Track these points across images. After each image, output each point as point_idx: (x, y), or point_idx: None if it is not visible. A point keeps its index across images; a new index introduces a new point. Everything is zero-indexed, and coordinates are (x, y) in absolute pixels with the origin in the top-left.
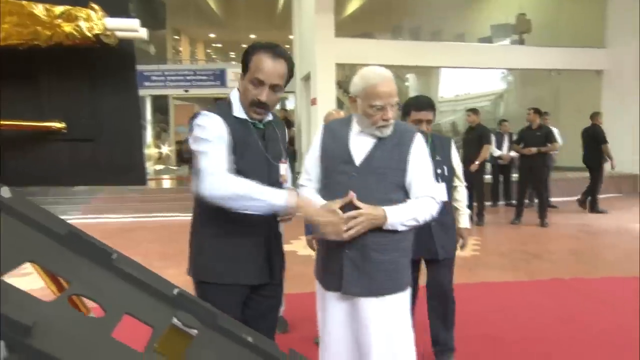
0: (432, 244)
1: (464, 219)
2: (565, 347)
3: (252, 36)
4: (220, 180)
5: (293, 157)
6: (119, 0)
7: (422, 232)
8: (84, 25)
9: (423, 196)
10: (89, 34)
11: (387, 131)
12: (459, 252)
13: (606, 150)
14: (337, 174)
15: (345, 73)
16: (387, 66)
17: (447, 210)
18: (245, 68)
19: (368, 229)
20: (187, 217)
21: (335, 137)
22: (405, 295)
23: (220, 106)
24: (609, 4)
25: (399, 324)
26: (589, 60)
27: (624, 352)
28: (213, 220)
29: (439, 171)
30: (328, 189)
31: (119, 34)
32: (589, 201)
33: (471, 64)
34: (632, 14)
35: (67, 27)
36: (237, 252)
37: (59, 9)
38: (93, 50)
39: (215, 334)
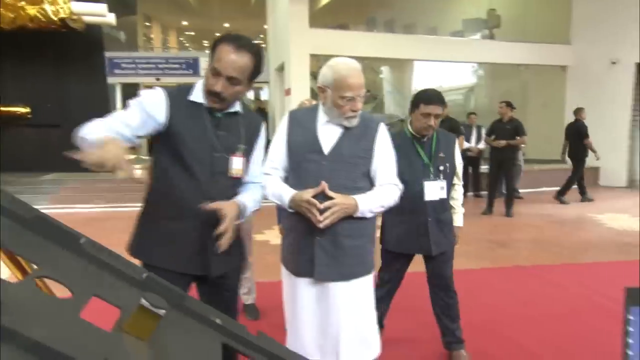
0: (427, 241)
1: (458, 218)
2: (524, 328)
3: (226, 25)
4: (88, 125)
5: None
6: None
7: (418, 229)
8: (49, 8)
9: (387, 184)
10: (54, 18)
11: (355, 121)
12: None
13: (589, 144)
14: (306, 162)
15: (319, 64)
16: (361, 58)
17: (446, 207)
18: (211, 57)
19: (341, 217)
20: None
21: (302, 126)
22: (370, 278)
23: (179, 88)
24: (574, 2)
25: (365, 305)
26: (555, 56)
27: (575, 334)
28: (151, 201)
29: (441, 168)
30: (297, 177)
31: (86, 18)
32: (558, 191)
33: (444, 57)
34: (596, 11)
35: (32, 10)
36: (167, 236)
37: None
38: (60, 35)
39: (182, 315)
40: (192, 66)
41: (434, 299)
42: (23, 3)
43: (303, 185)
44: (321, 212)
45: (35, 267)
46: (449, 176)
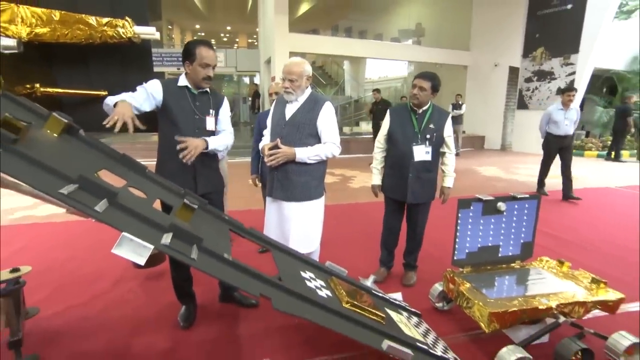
0: (405, 190)
1: (448, 180)
2: (433, 244)
3: (228, 27)
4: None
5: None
6: (141, 15)
7: (402, 181)
8: (121, 30)
9: (327, 142)
10: (124, 37)
11: (289, 97)
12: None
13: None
14: (276, 126)
15: None
16: (327, 55)
17: (428, 168)
18: (192, 57)
19: (284, 161)
20: None
21: (280, 104)
22: (316, 202)
23: (168, 79)
24: (473, 21)
25: (310, 218)
26: (460, 58)
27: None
28: (161, 151)
29: (428, 136)
30: (272, 135)
31: (142, 36)
32: None
33: (386, 56)
34: (485, 28)
35: (110, 32)
36: (171, 169)
37: (105, 20)
38: (124, 45)
39: (206, 213)
40: None
41: (407, 234)
42: (106, 27)
43: (274, 141)
44: (270, 156)
45: None
46: (435, 144)
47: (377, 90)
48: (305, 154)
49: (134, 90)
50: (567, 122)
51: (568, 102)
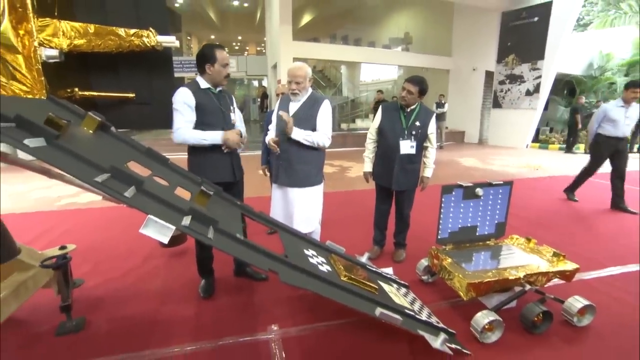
0: (391, 179)
1: (427, 171)
2: (424, 227)
3: (239, 37)
4: (181, 132)
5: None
6: (163, 27)
7: (388, 170)
8: (146, 40)
9: (320, 132)
10: (149, 45)
11: (296, 97)
12: None
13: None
14: (280, 121)
15: None
16: (326, 60)
17: (412, 160)
18: (213, 59)
19: (291, 126)
20: None
21: (284, 102)
22: (317, 188)
23: (192, 83)
24: (454, 31)
25: (311, 202)
26: (443, 63)
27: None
28: (195, 147)
29: (413, 132)
30: (277, 130)
31: (164, 44)
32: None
33: (379, 61)
34: (466, 37)
35: (137, 41)
36: (212, 162)
37: (132, 31)
38: (149, 52)
39: (221, 199)
40: None
41: (395, 217)
42: (133, 37)
43: (279, 133)
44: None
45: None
46: (419, 139)
47: (380, 91)
48: (298, 135)
49: (157, 91)
50: (629, 121)
51: (632, 99)
